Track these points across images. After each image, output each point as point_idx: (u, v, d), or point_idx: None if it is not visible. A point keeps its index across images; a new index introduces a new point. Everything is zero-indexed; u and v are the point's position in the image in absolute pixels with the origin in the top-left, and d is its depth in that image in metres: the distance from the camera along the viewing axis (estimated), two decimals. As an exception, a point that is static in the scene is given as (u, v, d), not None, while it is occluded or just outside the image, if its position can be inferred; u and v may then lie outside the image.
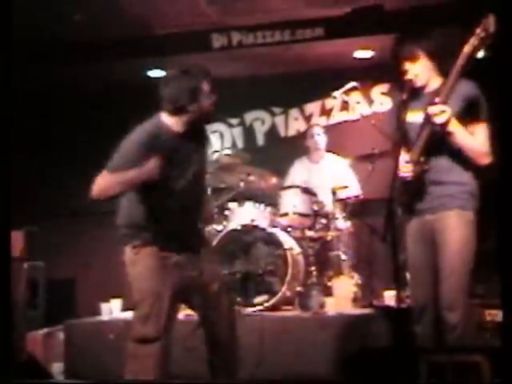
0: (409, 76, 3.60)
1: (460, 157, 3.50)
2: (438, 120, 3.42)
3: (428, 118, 3.46)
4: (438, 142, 3.50)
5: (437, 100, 3.43)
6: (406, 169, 3.54)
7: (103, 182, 3.37)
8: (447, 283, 3.47)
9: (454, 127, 3.44)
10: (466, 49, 3.37)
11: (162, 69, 6.83)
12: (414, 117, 3.58)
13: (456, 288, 3.45)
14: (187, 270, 3.52)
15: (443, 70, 3.54)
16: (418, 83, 3.61)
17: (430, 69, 3.60)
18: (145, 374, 3.33)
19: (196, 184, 3.61)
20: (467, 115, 3.48)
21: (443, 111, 3.40)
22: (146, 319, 3.36)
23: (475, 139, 3.48)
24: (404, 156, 3.54)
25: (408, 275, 3.83)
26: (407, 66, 3.60)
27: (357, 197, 5.76)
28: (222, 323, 3.65)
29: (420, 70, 3.60)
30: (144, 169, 3.33)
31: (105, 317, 5.49)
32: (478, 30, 3.32)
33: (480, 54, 3.38)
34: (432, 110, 3.43)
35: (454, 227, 3.48)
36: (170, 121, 3.52)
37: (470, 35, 3.36)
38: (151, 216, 3.47)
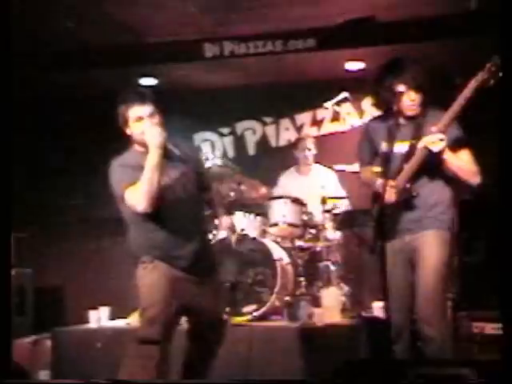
0: (404, 103, 3.63)
1: (441, 181, 3.68)
2: (435, 148, 3.51)
3: (423, 148, 3.55)
4: (425, 169, 3.63)
5: (434, 129, 3.52)
6: (389, 194, 3.59)
7: (134, 194, 3.48)
8: (424, 299, 3.61)
9: (447, 154, 3.56)
10: (473, 84, 3.45)
11: (154, 77, 6.86)
12: (400, 146, 3.67)
13: (433, 303, 3.60)
14: (192, 287, 3.64)
15: (426, 101, 3.66)
16: (410, 112, 3.68)
17: (415, 99, 3.67)
18: (143, 374, 3.44)
19: (190, 198, 3.69)
20: (453, 141, 3.61)
21: (441, 139, 3.50)
22: (152, 322, 3.51)
23: (465, 162, 3.63)
24: (388, 181, 3.59)
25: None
26: (400, 89, 3.64)
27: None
28: (212, 333, 3.82)
29: (415, 99, 3.66)
30: (148, 160, 3.46)
31: (93, 325, 5.46)
32: (485, 70, 3.39)
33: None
34: (430, 138, 3.52)
35: (431, 246, 3.63)
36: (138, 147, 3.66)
37: (478, 71, 3.43)
38: (157, 235, 3.61)
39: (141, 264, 3.62)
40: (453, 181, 3.69)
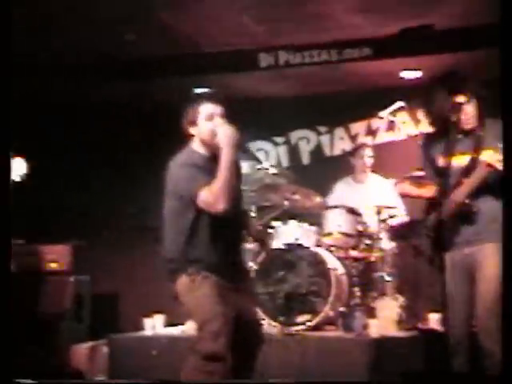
0: (460, 116, 3.57)
1: (498, 194, 3.55)
2: (492, 163, 3.47)
3: (485, 164, 3.51)
4: (487, 184, 3.57)
5: (500, 145, 3.43)
6: (447, 208, 3.57)
7: (213, 195, 3.41)
8: (485, 311, 3.53)
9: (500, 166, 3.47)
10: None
11: (209, 87, 6.91)
12: (459, 160, 3.63)
13: (494, 316, 3.48)
14: (235, 295, 3.60)
15: (485, 113, 3.62)
16: (468, 126, 3.62)
17: (474, 112, 3.64)
18: None
19: (236, 208, 3.66)
20: None
21: (495, 154, 3.46)
22: (217, 337, 3.41)
23: None
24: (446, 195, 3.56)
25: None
26: (456, 103, 3.59)
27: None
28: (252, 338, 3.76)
29: (471, 112, 3.61)
30: (224, 158, 3.42)
31: (148, 332, 5.50)
32: None
33: None
34: (495, 156, 3.46)
35: (492, 259, 3.55)
36: (199, 147, 3.63)
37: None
38: (201, 245, 3.54)
39: (185, 275, 3.52)
40: None
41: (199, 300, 3.52)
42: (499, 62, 2.86)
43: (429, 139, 3.88)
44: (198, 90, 6.92)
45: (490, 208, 3.60)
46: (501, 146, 3.41)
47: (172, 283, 3.58)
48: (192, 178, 3.49)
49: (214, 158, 3.54)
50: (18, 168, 3.98)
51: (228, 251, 3.61)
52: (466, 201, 3.60)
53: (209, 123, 3.56)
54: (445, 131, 3.58)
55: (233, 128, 3.53)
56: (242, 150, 3.69)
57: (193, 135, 3.63)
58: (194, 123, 3.60)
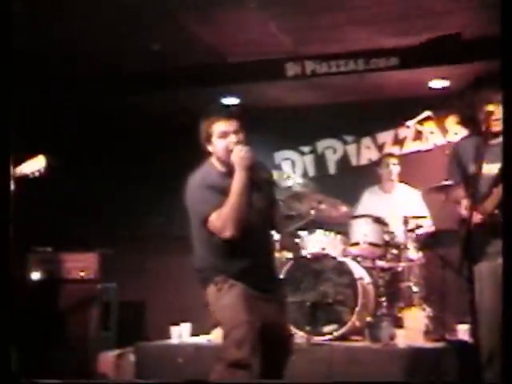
0: (489, 121, 3.55)
1: None
2: None
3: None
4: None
5: None
6: (476, 218, 3.53)
7: (221, 221, 3.41)
8: None
9: None
10: None
11: (237, 96, 6.94)
12: (488, 169, 3.58)
13: None
14: (263, 305, 3.56)
15: None
16: (497, 129, 3.58)
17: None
18: None
19: (263, 219, 3.65)
20: None
21: None
22: (241, 344, 3.38)
23: None
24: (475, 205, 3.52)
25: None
26: (485, 109, 3.57)
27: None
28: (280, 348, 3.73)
29: (499, 115, 3.57)
30: (236, 182, 3.41)
31: (174, 340, 5.52)
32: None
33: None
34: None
35: None
36: (217, 163, 3.60)
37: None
38: (228, 255, 3.52)
39: (213, 284, 3.51)
40: None
41: (225, 308, 3.51)
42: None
43: (461, 146, 3.84)
44: (225, 100, 6.98)
45: None
46: None
47: (204, 291, 3.58)
48: (204, 200, 3.48)
49: (231, 174, 3.50)
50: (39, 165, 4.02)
51: (256, 260, 3.58)
52: (496, 211, 3.56)
53: (223, 141, 3.50)
54: (477, 137, 3.56)
55: (246, 148, 3.47)
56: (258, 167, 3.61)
57: (210, 152, 3.61)
58: (208, 141, 3.56)
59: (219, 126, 3.51)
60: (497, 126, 3.61)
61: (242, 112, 3.64)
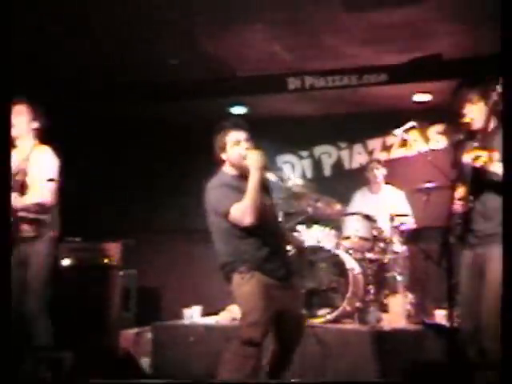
0: (466, 119, 3.57)
1: (499, 191, 3.38)
2: (477, 164, 3.38)
3: (470, 163, 3.44)
4: (482, 182, 3.45)
5: (475, 145, 3.40)
6: (456, 205, 3.51)
7: (241, 211, 3.50)
8: (486, 310, 3.42)
9: (496, 168, 3.36)
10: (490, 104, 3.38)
11: (244, 106, 6.96)
12: (468, 157, 3.53)
13: (494, 315, 3.33)
14: (280, 293, 3.63)
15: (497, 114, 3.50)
16: (474, 126, 3.57)
17: (485, 113, 3.55)
18: (243, 371, 3.45)
19: (275, 218, 3.77)
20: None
21: (478, 156, 3.36)
22: (256, 326, 3.48)
23: None
24: (457, 193, 3.51)
25: (459, 297, 3.77)
26: (465, 109, 3.57)
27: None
28: (293, 334, 3.80)
29: (477, 114, 3.56)
30: (252, 180, 3.50)
31: (186, 321, 5.54)
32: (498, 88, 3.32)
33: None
34: (469, 155, 3.40)
35: (498, 259, 3.35)
36: (230, 169, 3.70)
37: (492, 91, 3.36)
38: (248, 247, 3.60)
39: (237, 273, 3.58)
40: None
41: (245, 295, 3.58)
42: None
43: (458, 147, 3.78)
44: (233, 110, 7.00)
45: (495, 208, 3.41)
46: (476, 145, 3.38)
47: (229, 284, 3.64)
48: (224, 196, 3.58)
49: (243, 177, 3.62)
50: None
51: (272, 250, 3.65)
52: (470, 197, 3.48)
53: (236, 148, 3.63)
54: (468, 139, 3.56)
55: (259, 152, 3.59)
56: (268, 168, 3.73)
57: (224, 160, 3.71)
58: (223, 149, 3.68)
59: (232, 136, 3.64)
60: (475, 125, 3.55)
61: (247, 121, 3.75)
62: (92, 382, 2.74)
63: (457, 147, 3.61)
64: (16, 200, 4.06)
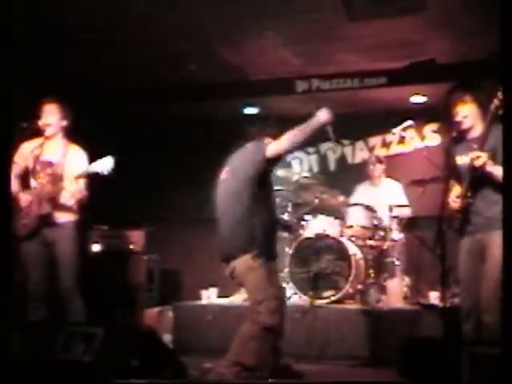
0: (458, 118, 3.57)
1: (498, 187, 3.43)
2: (476, 164, 3.40)
3: (469, 162, 3.46)
4: (481, 179, 3.48)
5: (474, 146, 3.40)
6: (455, 203, 3.52)
7: (288, 139, 3.63)
8: (487, 290, 3.42)
9: (491, 167, 3.40)
10: (492, 107, 3.36)
11: (256, 107, 6.96)
12: (462, 160, 3.58)
13: (494, 294, 3.36)
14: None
15: (487, 117, 3.50)
16: (465, 125, 3.57)
17: (476, 114, 3.55)
18: (261, 353, 3.44)
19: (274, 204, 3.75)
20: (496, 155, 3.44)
21: (479, 156, 3.38)
22: (274, 313, 3.46)
23: None
24: (454, 191, 3.52)
25: (451, 280, 3.79)
26: (457, 109, 3.57)
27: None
28: None
29: (468, 114, 3.56)
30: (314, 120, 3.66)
31: (204, 301, 5.57)
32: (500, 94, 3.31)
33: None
34: (471, 155, 3.42)
35: (498, 244, 3.36)
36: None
37: (494, 97, 3.34)
38: (259, 231, 3.56)
39: (249, 254, 3.50)
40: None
41: (257, 280, 3.51)
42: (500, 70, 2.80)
43: (450, 144, 3.79)
44: (246, 110, 7.00)
45: (492, 201, 3.48)
46: (476, 146, 3.39)
47: (227, 266, 3.60)
48: None
49: None
50: (108, 165, 4.10)
51: (274, 243, 3.68)
52: (468, 194, 3.50)
53: None
54: (461, 138, 3.57)
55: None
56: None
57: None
58: None
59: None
60: (466, 124, 3.57)
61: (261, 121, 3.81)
62: (115, 382, 2.77)
63: (449, 144, 3.61)
64: (46, 189, 4.14)
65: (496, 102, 3.35)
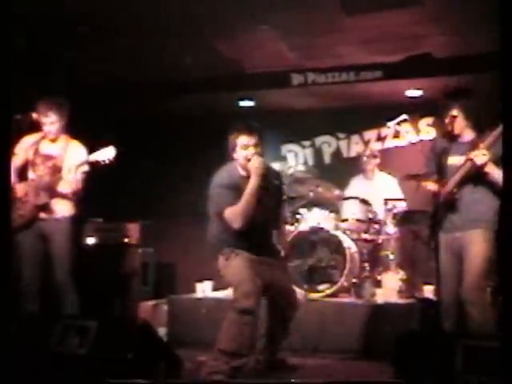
0: (448, 128, 3.63)
1: (486, 189, 3.57)
2: (479, 161, 3.46)
3: (469, 160, 3.51)
4: (473, 178, 3.56)
5: (481, 145, 3.48)
6: (443, 196, 3.60)
7: (233, 215, 3.51)
8: (469, 284, 3.52)
9: (491, 168, 3.49)
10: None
11: (251, 100, 6.96)
12: (453, 160, 3.64)
13: (476, 288, 3.51)
14: (265, 267, 3.67)
15: (479, 125, 3.61)
16: (455, 131, 3.63)
17: (465, 123, 3.63)
18: (240, 338, 3.45)
19: (268, 214, 3.74)
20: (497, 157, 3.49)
21: (484, 154, 3.46)
22: (248, 296, 3.46)
23: None
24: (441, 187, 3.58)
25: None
26: (454, 113, 3.62)
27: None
28: (285, 303, 3.82)
29: (458, 126, 3.64)
30: (250, 185, 3.51)
31: (199, 294, 5.56)
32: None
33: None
34: (475, 153, 3.48)
35: (476, 242, 3.54)
36: (239, 168, 3.69)
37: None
38: (236, 235, 3.59)
39: (221, 255, 3.61)
40: (496, 189, 3.56)
41: (233, 269, 3.59)
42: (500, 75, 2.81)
43: (435, 144, 3.88)
44: (242, 103, 6.99)
45: (475, 200, 3.60)
46: (482, 145, 3.46)
47: (215, 261, 3.69)
48: (222, 197, 3.57)
49: (249, 177, 3.58)
50: (109, 154, 4.12)
51: (258, 239, 3.69)
52: (454, 190, 3.58)
53: (244, 152, 3.59)
54: (449, 137, 3.64)
55: (261, 159, 3.55)
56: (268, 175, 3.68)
57: (234, 158, 3.69)
58: (233, 150, 3.65)
59: (242, 140, 3.59)
60: (458, 129, 3.66)
61: (261, 129, 3.67)
62: (110, 381, 2.77)
63: (441, 145, 3.68)
64: (44, 179, 4.14)
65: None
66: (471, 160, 3.50)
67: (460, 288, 3.57)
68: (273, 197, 3.78)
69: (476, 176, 3.56)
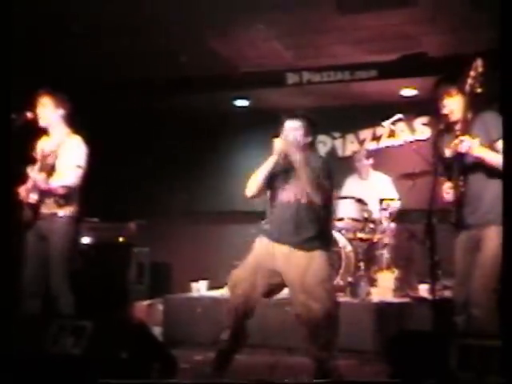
0: (445, 111, 3.56)
1: (494, 177, 3.37)
2: (460, 149, 3.35)
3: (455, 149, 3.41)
4: (472, 167, 3.42)
5: (457, 132, 3.38)
6: (448, 195, 3.49)
7: (248, 183, 3.61)
8: (477, 284, 3.39)
9: (480, 152, 3.34)
10: (466, 89, 3.33)
11: (247, 99, 6.95)
12: (450, 152, 3.52)
13: (484, 287, 3.36)
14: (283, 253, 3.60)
15: (475, 108, 3.48)
16: (452, 118, 3.56)
17: (463, 106, 3.53)
18: (232, 332, 3.53)
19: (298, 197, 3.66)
20: (489, 139, 3.37)
21: (462, 141, 3.33)
22: (232, 288, 3.63)
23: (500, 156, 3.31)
24: (447, 183, 3.50)
25: (440, 273, 3.80)
26: (444, 102, 3.56)
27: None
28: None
29: (454, 107, 3.55)
30: (267, 161, 3.57)
31: (194, 294, 5.56)
32: (471, 72, 3.32)
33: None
34: (454, 141, 3.38)
35: (491, 239, 3.35)
36: None
37: (466, 77, 3.32)
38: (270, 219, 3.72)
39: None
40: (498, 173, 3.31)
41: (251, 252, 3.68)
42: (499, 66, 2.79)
43: (438, 137, 3.72)
44: (237, 102, 6.98)
45: (485, 193, 3.42)
46: (459, 132, 3.36)
47: None
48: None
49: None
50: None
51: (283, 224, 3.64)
52: (459, 182, 3.44)
53: (283, 135, 3.66)
54: (448, 130, 3.54)
55: (282, 140, 3.59)
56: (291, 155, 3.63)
57: None
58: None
59: (285, 125, 3.71)
60: (453, 116, 3.52)
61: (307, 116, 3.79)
62: (101, 381, 2.75)
63: (437, 138, 3.61)
64: (42, 180, 4.10)
65: (469, 80, 3.32)
66: (455, 150, 3.36)
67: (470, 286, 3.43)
68: (303, 182, 3.58)
69: (475, 165, 3.40)
